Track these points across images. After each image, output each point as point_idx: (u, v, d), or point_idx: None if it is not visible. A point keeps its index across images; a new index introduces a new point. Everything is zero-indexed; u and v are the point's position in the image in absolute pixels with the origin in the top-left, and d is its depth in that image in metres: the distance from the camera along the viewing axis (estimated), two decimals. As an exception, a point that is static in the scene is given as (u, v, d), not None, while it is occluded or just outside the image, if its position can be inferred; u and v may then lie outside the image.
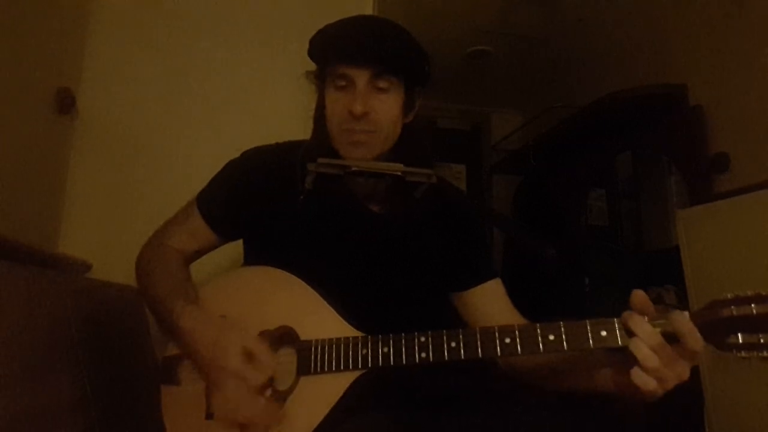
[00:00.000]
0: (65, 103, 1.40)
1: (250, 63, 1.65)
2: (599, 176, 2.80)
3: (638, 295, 0.67)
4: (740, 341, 0.64)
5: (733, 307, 0.64)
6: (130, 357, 1.18)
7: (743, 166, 1.81)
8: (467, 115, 3.67)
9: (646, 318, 0.66)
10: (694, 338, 0.64)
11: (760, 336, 0.63)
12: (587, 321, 0.68)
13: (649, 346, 0.64)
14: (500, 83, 3.26)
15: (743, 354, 0.64)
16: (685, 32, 2.13)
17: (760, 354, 0.63)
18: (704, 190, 1.93)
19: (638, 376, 0.64)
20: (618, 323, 0.67)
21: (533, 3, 2.43)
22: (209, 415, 0.80)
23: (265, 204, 0.94)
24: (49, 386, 0.87)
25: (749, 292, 0.64)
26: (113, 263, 1.34)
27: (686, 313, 0.66)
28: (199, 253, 1.01)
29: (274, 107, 1.60)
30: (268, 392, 0.76)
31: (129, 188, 1.52)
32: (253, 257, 0.97)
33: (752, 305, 0.63)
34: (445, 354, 0.72)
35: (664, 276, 2.13)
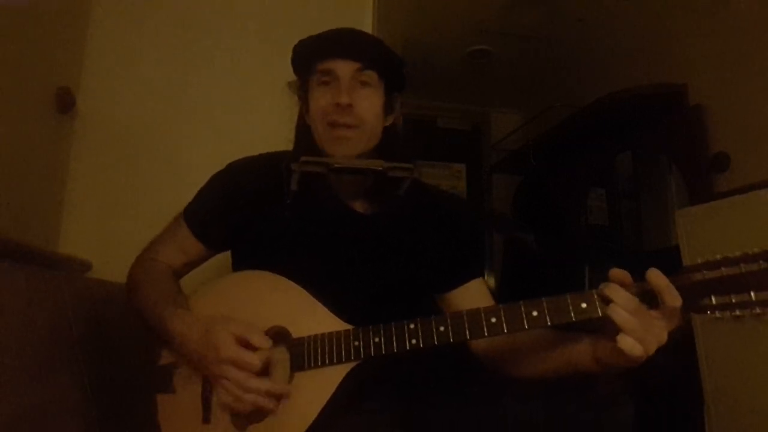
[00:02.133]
0: (65, 103, 1.40)
1: (250, 63, 1.64)
2: (599, 176, 2.80)
3: (616, 271, 0.71)
4: (713, 302, 0.67)
5: (704, 271, 0.67)
6: (130, 357, 1.18)
7: (743, 165, 1.81)
8: (467, 114, 3.67)
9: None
10: (671, 294, 0.67)
11: (732, 296, 0.66)
12: (567, 295, 0.71)
13: (626, 310, 0.67)
14: (500, 83, 3.26)
15: (717, 314, 0.67)
16: (685, 32, 2.13)
17: (732, 313, 0.66)
18: (704, 189, 1.93)
19: (624, 341, 0.66)
20: (596, 294, 0.70)
21: (534, 3, 2.43)
22: (206, 419, 0.80)
23: (251, 211, 0.95)
24: (49, 386, 0.87)
25: (718, 256, 0.67)
26: (113, 263, 1.34)
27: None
28: (188, 267, 1.02)
29: (275, 107, 1.59)
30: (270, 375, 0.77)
31: (129, 188, 1.52)
32: (241, 265, 0.98)
33: (722, 268, 0.66)
34: (435, 338, 0.74)
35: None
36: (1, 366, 0.77)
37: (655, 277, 0.68)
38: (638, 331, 0.66)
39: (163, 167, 1.54)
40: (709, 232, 1.77)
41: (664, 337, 0.68)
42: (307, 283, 0.85)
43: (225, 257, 1.02)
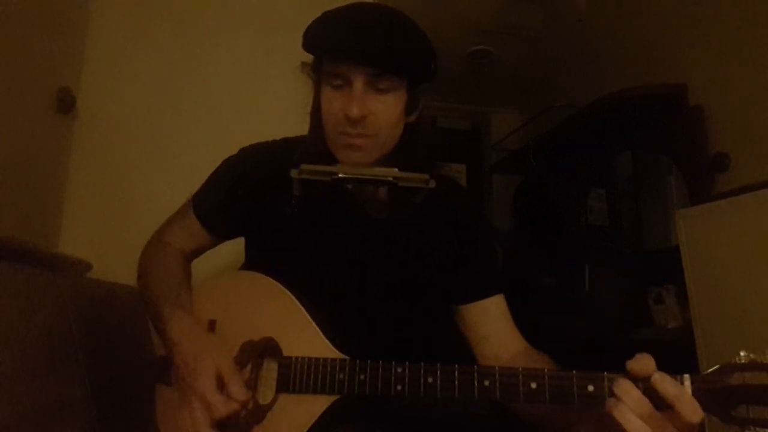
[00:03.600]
0: (65, 103, 1.40)
1: (250, 61, 1.65)
2: (599, 176, 2.80)
3: (639, 360, 0.59)
4: (750, 415, 0.54)
5: (745, 373, 0.55)
6: (130, 357, 1.18)
7: (743, 166, 1.81)
8: (467, 114, 3.67)
9: (640, 384, 0.59)
10: (688, 407, 0.55)
11: None
12: (573, 372, 0.62)
13: (637, 414, 0.56)
14: (500, 83, 3.26)
15: (752, 431, 0.54)
16: (685, 32, 2.12)
17: None
18: (704, 190, 1.93)
19: None
20: (607, 379, 0.61)
21: (534, 3, 2.43)
22: None
23: (260, 205, 0.92)
24: (49, 386, 0.87)
25: None
26: (113, 263, 1.34)
27: (687, 381, 0.58)
28: (198, 251, 1.00)
29: (276, 105, 1.60)
30: (243, 413, 0.75)
31: (129, 188, 1.52)
32: (251, 257, 0.97)
33: None
34: (421, 390, 0.69)
35: (664, 276, 2.13)
36: (1, 366, 0.77)
37: (665, 385, 0.56)
38: None
39: (163, 167, 1.54)
40: (709, 232, 1.77)
41: None
42: (313, 285, 0.82)
43: (238, 244, 1.01)
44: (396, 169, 0.79)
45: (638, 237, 2.52)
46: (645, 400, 0.57)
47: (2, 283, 0.82)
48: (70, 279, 1.07)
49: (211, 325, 0.85)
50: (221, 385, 0.73)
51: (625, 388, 0.58)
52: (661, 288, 2.10)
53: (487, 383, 0.66)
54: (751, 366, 0.55)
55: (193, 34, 1.63)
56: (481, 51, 2.87)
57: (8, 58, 1.15)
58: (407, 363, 0.70)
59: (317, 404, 0.75)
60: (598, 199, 2.81)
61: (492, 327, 0.91)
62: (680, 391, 0.56)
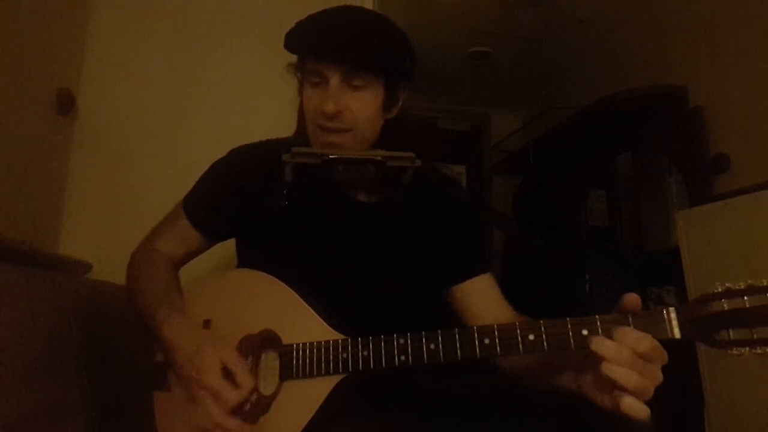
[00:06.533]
0: (65, 104, 1.40)
1: (250, 62, 1.65)
2: (599, 177, 2.81)
3: (630, 295, 0.63)
4: (731, 337, 0.58)
5: (723, 300, 0.59)
6: (130, 357, 1.18)
7: (743, 166, 1.82)
8: (467, 115, 3.68)
9: (631, 325, 0.62)
10: (659, 354, 0.59)
11: (754, 331, 0.57)
12: (568, 319, 0.65)
13: (621, 364, 0.59)
14: (500, 83, 3.27)
15: (735, 351, 0.59)
16: (685, 32, 2.13)
17: (753, 351, 0.58)
18: (704, 190, 1.93)
19: (631, 406, 0.58)
20: (600, 321, 0.63)
21: (533, 4, 2.43)
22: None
23: (250, 202, 0.93)
24: (50, 387, 0.87)
25: (741, 284, 0.59)
26: (113, 263, 1.33)
27: (673, 313, 0.62)
28: (189, 256, 1.00)
29: (276, 106, 1.60)
30: (247, 406, 0.75)
31: (129, 188, 1.52)
32: (244, 256, 0.97)
33: (744, 298, 0.58)
34: (425, 357, 0.70)
35: (665, 277, 2.13)
36: (1, 367, 0.77)
37: (625, 335, 0.59)
38: (640, 385, 0.58)
39: (163, 168, 1.54)
40: (709, 233, 1.77)
41: (660, 377, 0.60)
42: (307, 275, 0.83)
43: (229, 246, 1.01)
44: (382, 151, 0.82)
45: (638, 238, 2.53)
46: (622, 349, 0.59)
47: (2, 283, 0.82)
48: (70, 279, 1.07)
49: (206, 325, 0.85)
50: (227, 376, 0.73)
51: (599, 343, 0.60)
52: (661, 289, 2.10)
53: (487, 341, 0.68)
54: (728, 293, 0.59)
55: (192, 35, 1.63)
56: (481, 52, 2.87)
57: (8, 58, 1.15)
58: (408, 334, 0.72)
59: (324, 385, 0.76)
60: (599, 200, 2.82)
61: (483, 304, 0.94)
62: (650, 343, 0.60)
